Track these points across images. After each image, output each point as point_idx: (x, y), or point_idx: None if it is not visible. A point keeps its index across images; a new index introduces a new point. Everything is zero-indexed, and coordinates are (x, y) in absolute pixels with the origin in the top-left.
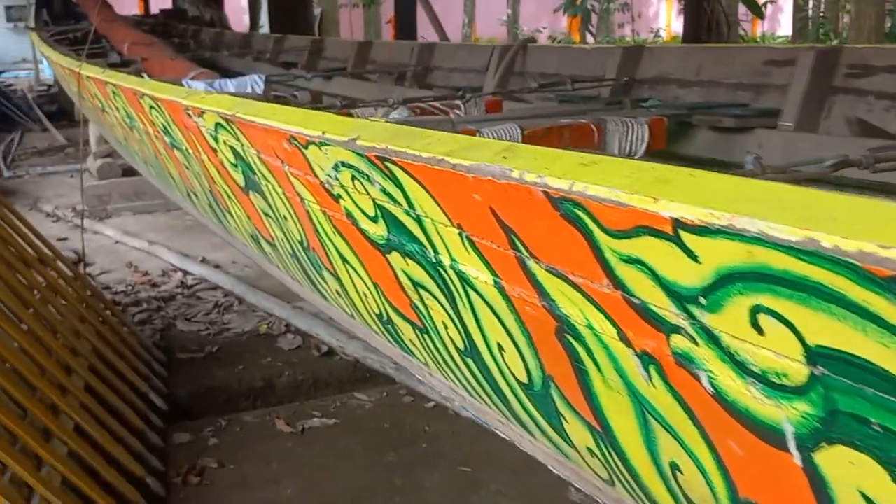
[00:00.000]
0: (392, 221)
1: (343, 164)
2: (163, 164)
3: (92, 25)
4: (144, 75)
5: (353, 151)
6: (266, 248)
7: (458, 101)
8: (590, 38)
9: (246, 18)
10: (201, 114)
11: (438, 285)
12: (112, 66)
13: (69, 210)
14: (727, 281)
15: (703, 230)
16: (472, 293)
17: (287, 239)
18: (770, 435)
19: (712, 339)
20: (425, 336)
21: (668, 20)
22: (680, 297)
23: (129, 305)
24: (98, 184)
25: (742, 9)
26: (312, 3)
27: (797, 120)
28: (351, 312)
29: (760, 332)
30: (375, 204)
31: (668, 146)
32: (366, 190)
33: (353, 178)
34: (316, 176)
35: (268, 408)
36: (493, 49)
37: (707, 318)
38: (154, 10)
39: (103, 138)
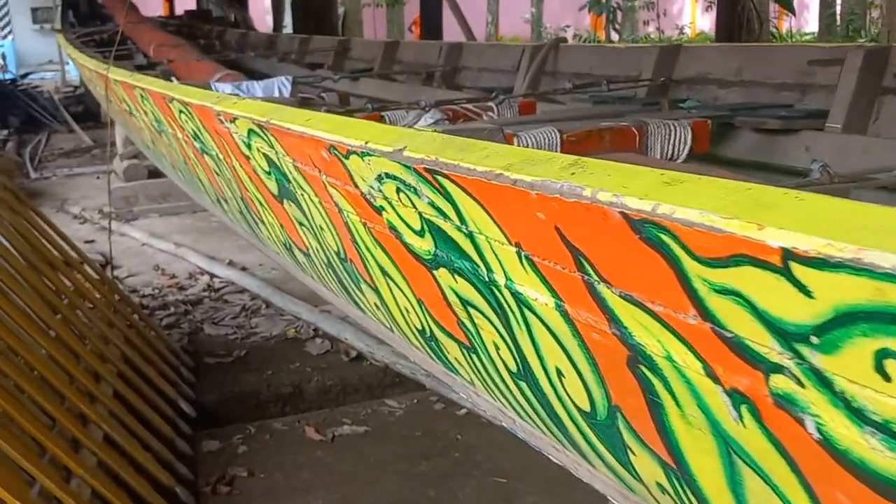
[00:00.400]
0: (440, 237)
1: (387, 175)
2: (192, 169)
3: (118, 27)
4: (174, 79)
5: (399, 163)
6: (300, 257)
7: (490, 104)
8: (615, 36)
9: (269, 19)
10: (233, 120)
11: (490, 304)
12: (139, 67)
13: (96, 212)
14: (847, 320)
15: (820, 263)
16: (529, 315)
17: (323, 249)
18: (888, 490)
19: (823, 381)
20: (473, 355)
21: (692, 17)
22: (785, 335)
23: (157, 309)
24: (124, 185)
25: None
26: (337, 2)
27: (845, 121)
28: (390, 326)
29: (886, 378)
30: (422, 218)
31: (710, 149)
32: (412, 203)
33: (398, 190)
34: (357, 187)
35: (297, 414)
36: (523, 49)
37: (819, 359)
38: (178, 10)
39: (129, 140)
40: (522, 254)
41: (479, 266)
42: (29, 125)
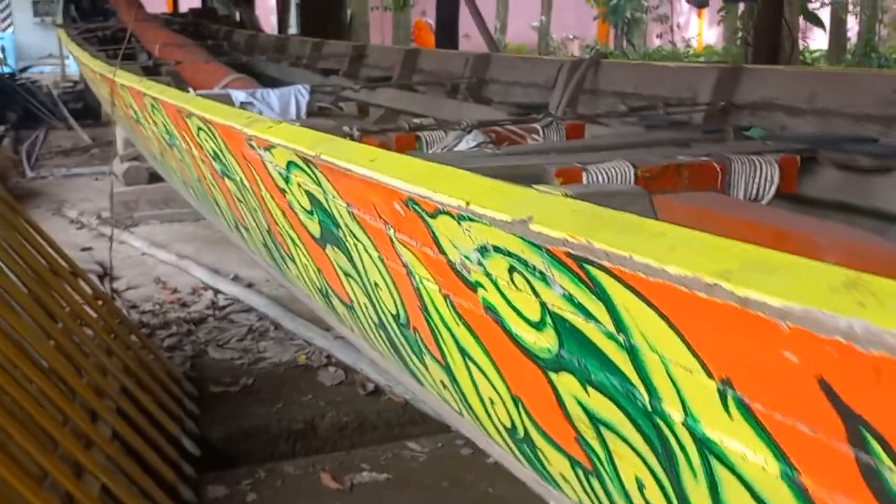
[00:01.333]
0: (573, 338)
1: (497, 249)
2: (207, 190)
3: (120, 24)
4: (191, 89)
5: (521, 239)
6: (339, 307)
7: (535, 125)
8: (625, 47)
9: (273, 19)
10: (269, 148)
11: (645, 437)
12: (145, 70)
13: (94, 217)
14: None
15: None
16: (718, 468)
17: (374, 307)
18: None
19: None
20: (593, 479)
21: (699, 30)
22: None
23: (158, 328)
24: (125, 190)
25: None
26: (346, 5)
27: None
28: (460, 410)
29: None
30: (546, 309)
31: None
32: (532, 289)
33: (512, 270)
34: (443, 253)
35: (311, 456)
36: (560, 64)
37: None
38: (182, 8)
39: (130, 141)
40: (733, 395)
41: (636, 388)
42: (27, 121)
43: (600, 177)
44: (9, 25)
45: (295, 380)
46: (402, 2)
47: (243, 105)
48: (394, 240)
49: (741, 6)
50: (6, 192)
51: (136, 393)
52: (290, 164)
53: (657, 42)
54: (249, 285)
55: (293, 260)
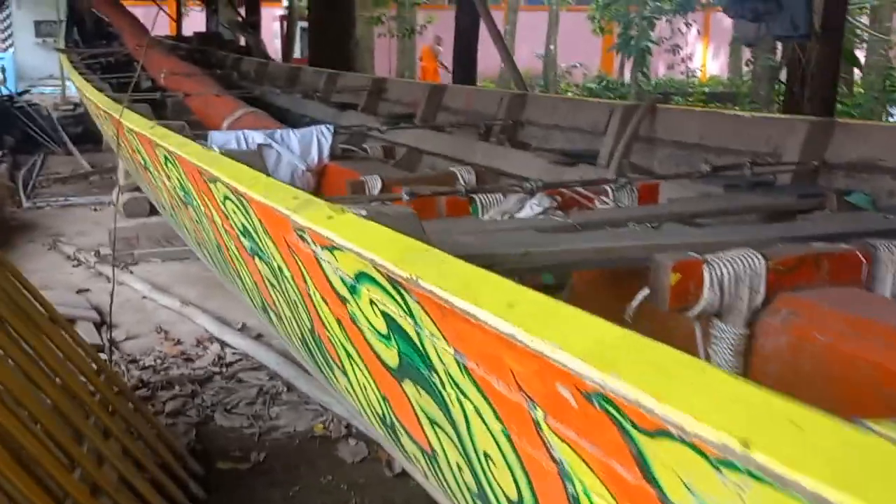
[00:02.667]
0: None
1: None
2: (229, 261)
3: (124, 49)
4: (212, 138)
5: None
6: (409, 446)
7: (605, 187)
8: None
9: (277, 43)
10: (332, 248)
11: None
12: (152, 103)
13: (92, 253)
14: None
15: None
16: None
17: (476, 477)
18: None
19: None
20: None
21: (703, 61)
22: None
23: (159, 389)
24: (124, 225)
25: None
26: (355, 32)
27: None
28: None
29: None
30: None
31: None
32: None
33: None
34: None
35: None
36: (611, 109)
37: None
38: (186, 31)
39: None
40: None
41: None
42: (25, 145)
43: (725, 270)
44: (10, 46)
45: (312, 455)
46: (409, 30)
47: (261, 147)
48: (541, 425)
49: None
50: None
51: (136, 484)
52: (361, 275)
53: (662, 72)
54: (258, 336)
55: (345, 373)
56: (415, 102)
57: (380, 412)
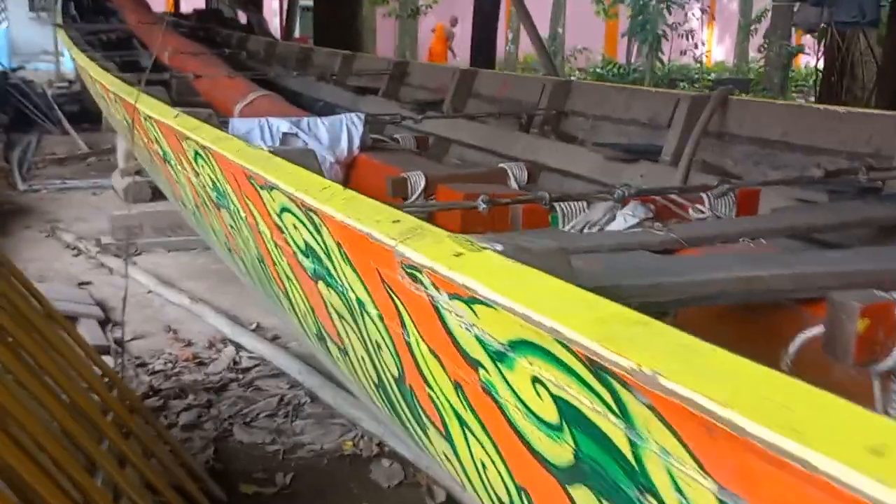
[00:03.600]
0: None
1: None
2: (275, 277)
3: (125, 25)
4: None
5: None
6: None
7: (702, 195)
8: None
9: (275, 21)
10: (468, 301)
11: None
12: (156, 83)
13: (92, 242)
14: None
15: None
16: None
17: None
18: None
19: None
20: None
21: (709, 46)
22: None
23: (172, 398)
24: (126, 213)
25: None
26: (362, 13)
27: None
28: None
29: None
30: None
31: None
32: None
33: None
34: None
35: None
36: (677, 99)
37: None
38: (185, 7)
39: (132, 153)
40: None
41: None
42: (19, 124)
43: None
44: (3, 20)
45: (343, 477)
46: (414, 10)
47: (285, 136)
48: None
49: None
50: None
51: None
52: (521, 343)
53: (669, 57)
54: (275, 338)
55: (454, 443)
56: (441, 88)
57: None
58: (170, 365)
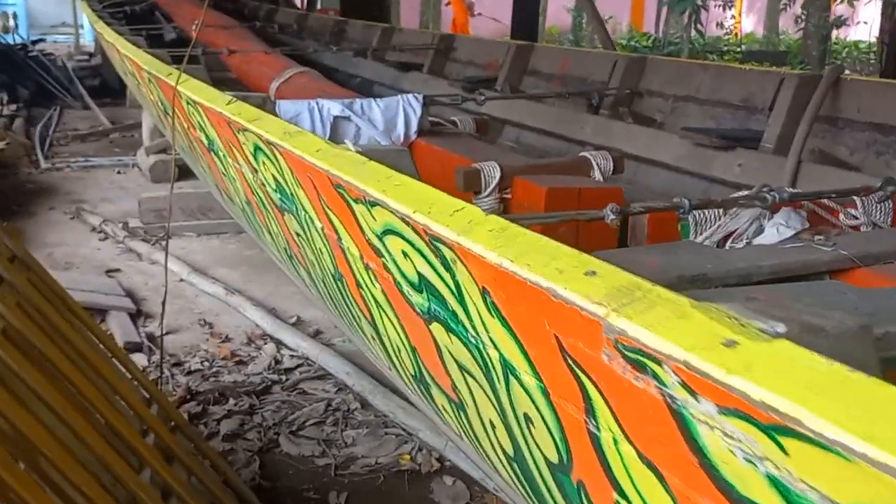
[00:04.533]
0: None
1: None
2: (356, 298)
3: None
4: (325, 131)
5: None
6: None
7: (854, 198)
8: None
9: None
10: (729, 413)
11: None
12: (191, 59)
13: (119, 225)
14: None
15: None
16: None
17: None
18: None
19: None
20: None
21: (737, 17)
22: None
23: (212, 403)
24: (154, 196)
25: None
26: None
27: None
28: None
29: None
30: None
31: None
32: None
33: None
34: None
35: None
36: (781, 78)
37: None
38: None
39: (158, 131)
40: None
41: None
42: (39, 98)
43: None
44: None
45: (401, 497)
46: None
47: (337, 120)
48: None
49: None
50: (26, 254)
51: None
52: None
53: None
54: (317, 333)
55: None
56: (492, 64)
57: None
58: (207, 364)
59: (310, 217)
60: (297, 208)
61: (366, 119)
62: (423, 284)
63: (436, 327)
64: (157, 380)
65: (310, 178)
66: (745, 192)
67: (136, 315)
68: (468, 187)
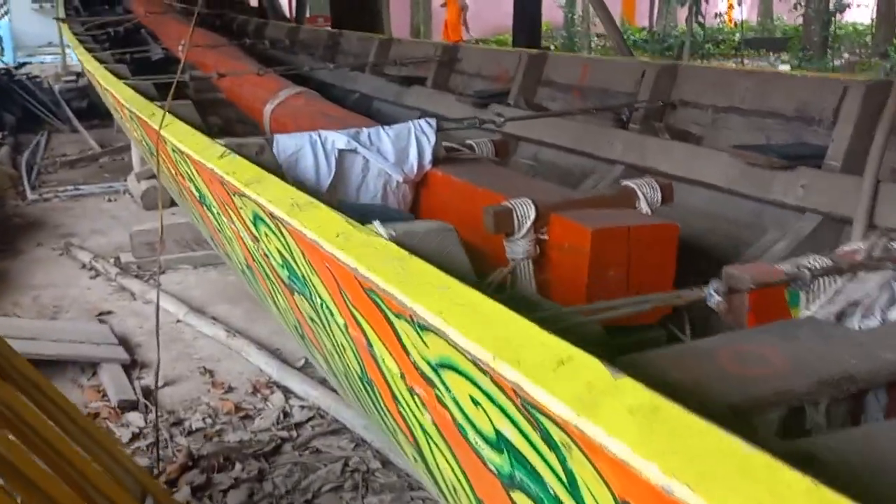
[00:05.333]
0: None
1: None
2: (392, 410)
3: (133, 16)
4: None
5: None
6: None
7: None
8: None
9: (284, 0)
10: None
11: None
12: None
13: (111, 261)
14: None
15: None
16: None
17: None
18: None
19: None
20: None
21: (729, 5)
22: None
23: (216, 469)
24: (146, 229)
25: None
26: None
27: None
28: None
29: None
30: None
31: None
32: None
33: None
34: None
35: None
36: (844, 86)
37: None
38: None
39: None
40: None
41: None
42: (26, 122)
43: None
44: (5, 13)
45: None
46: None
47: (342, 153)
48: None
49: None
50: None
51: None
52: None
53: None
54: (326, 379)
55: None
56: (501, 75)
57: None
58: (209, 420)
59: (328, 309)
60: (310, 293)
61: (374, 150)
62: (503, 445)
63: (522, 499)
64: (154, 444)
65: (328, 270)
66: (875, 252)
67: (131, 366)
68: (499, 229)
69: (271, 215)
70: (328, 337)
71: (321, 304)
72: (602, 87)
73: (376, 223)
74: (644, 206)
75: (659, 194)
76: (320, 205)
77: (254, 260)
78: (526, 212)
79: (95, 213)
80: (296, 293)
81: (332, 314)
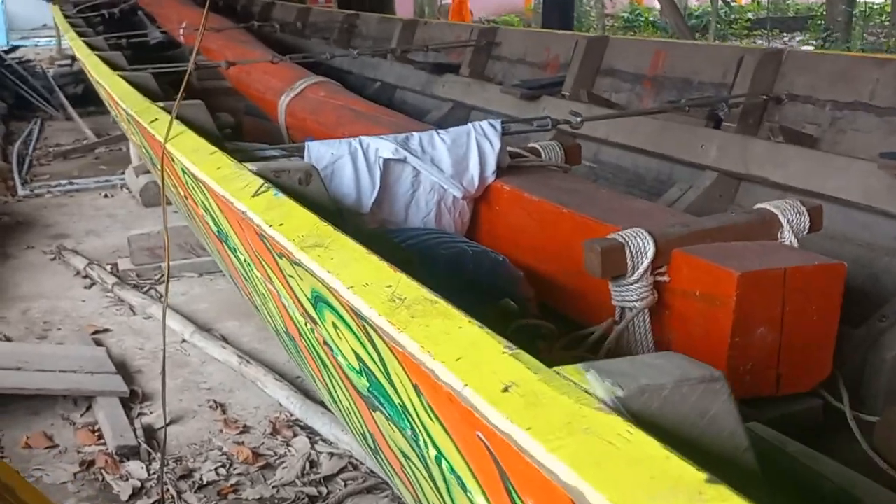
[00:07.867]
0: None
1: None
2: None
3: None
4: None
5: None
6: None
7: None
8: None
9: None
10: None
11: None
12: (171, 73)
13: (107, 267)
14: None
15: None
16: None
17: None
18: None
19: None
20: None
21: None
22: None
23: None
24: (146, 232)
25: None
26: None
27: None
28: None
29: None
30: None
31: None
32: None
33: None
34: None
35: None
36: None
37: None
38: None
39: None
40: None
41: None
42: (19, 109)
43: None
44: None
45: None
46: None
47: (389, 165)
48: None
49: None
50: None
51: None
52: None
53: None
54: None
55: None
56: (550, 63)
57: None
58: (223, 471)
59: (444, 457)
60: (406, 424)
61: (427, 159)
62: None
63: None
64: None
65: (435, 401)
66: None
67: (131, 398)
68: (608, 272)
69: (352, 311)
70: (430, 484)
71: (425, 444)
72: (682, 77)
73: (592, 375)
74: (788, 236)
75: (807, 220)
76: (450, 308)
77: (301, 336)
78: (642, 247)
79: (91, 210)
80: (376, 411)
81: (452, 467)
